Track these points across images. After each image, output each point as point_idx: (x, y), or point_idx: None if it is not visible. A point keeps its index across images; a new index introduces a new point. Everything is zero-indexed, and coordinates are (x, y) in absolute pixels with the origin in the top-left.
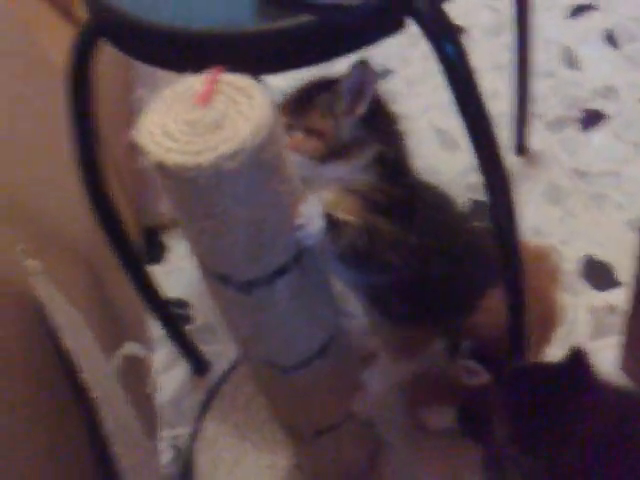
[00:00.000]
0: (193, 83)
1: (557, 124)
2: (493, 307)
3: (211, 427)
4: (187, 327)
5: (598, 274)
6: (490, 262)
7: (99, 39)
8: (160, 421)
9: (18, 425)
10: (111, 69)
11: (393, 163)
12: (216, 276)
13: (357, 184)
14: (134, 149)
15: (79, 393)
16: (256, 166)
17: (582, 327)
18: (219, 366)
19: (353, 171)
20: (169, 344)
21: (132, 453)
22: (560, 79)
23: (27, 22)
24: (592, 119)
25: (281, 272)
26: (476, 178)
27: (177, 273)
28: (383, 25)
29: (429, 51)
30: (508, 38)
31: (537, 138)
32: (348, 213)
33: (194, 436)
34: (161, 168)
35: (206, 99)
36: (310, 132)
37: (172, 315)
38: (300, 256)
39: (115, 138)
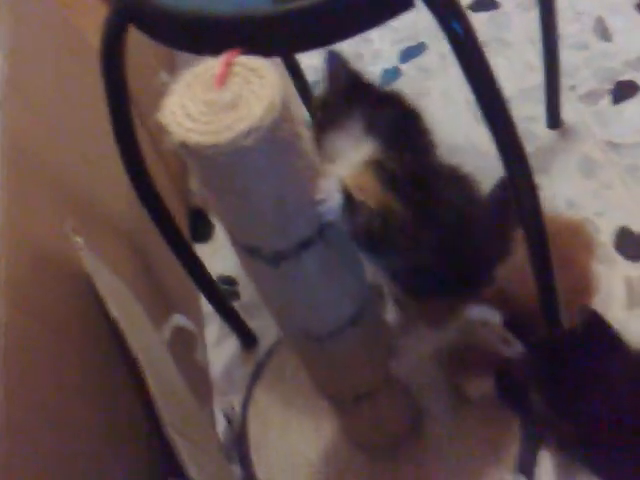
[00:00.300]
0: (211, 65)
1: (590, 96)
2: (524, 278)
3: (261, 396)
4: (235, 303)
5: (633, 245)
6: (503, 235)
7: (127, 24)
8: (214, 391)
9: (72, 397)
10: (143, 53)
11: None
12: (245, 248)
13: (375, 156)
14: (162, 130)
15: (129, 361)
16: (271, 143)
17: (617, 297)
18: (266, 340)
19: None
20: (219, 320)
21: (182, 419)
22: (593, 51)
23: (63, 3)
24: (624, 91)
25: (306, 245)
26: None
27: (224, 251)
28: (393, 3)
29: None
30: None
31: (571, 111)
32: (364, 192)
33: (245, 404)
34: (184, 147)
35: (222, 81)
36: None
37: (220, 292)
38: (324, 229)
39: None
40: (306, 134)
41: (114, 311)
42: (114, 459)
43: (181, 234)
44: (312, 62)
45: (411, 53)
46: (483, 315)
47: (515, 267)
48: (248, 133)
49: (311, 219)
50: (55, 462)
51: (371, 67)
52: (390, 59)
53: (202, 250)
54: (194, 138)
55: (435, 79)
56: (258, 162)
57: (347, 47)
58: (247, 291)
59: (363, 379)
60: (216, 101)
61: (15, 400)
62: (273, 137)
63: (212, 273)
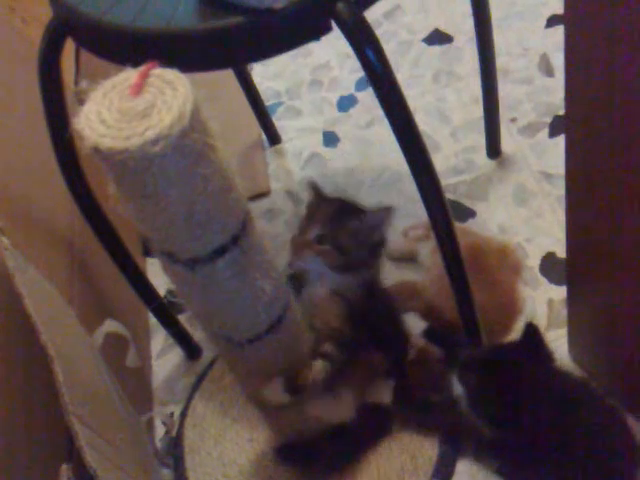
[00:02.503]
0: (129, 76)
1: (529, 129)
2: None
3: (199, 405)
4: (182, 316)
5: (557, 270)
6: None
7: (64, 35)
8: (155, 401)
9: None
10: None
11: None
12: (163, 253)
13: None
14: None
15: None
16: (180, 151)
17: (540, 319)
18: (210, 352)
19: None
20: (164, 331)
21: (92, 412)
22: (536, 86)
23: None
24: (561, 125)
25: (220, 252)
26: (456, 180)
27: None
28: (309, 27)
29: (418, 56)
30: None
31: (510, 142)
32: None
33: (184, 413)
34: (96, 152)
35: (136, 90)
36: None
37: (164, 304)
38: (239, 237)
39: None
40: (218, 146)
41: (30, 309)
42: (19, 441)
43: (124, 247)
44: (274, 85)
45: (367, 82)
46: (409, 322)
47: (440, 282)
48: (156, 140)
49: (225, 227)
50: None
51: (329, 94)
52: (347, 87)
53: (154, 264)
54: (106, 143)
55: None
56: (167, 169)
57: (308, 74)
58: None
59: None
60: (130, 109)
61: None
62: (182, 146)
63: (162, 286)
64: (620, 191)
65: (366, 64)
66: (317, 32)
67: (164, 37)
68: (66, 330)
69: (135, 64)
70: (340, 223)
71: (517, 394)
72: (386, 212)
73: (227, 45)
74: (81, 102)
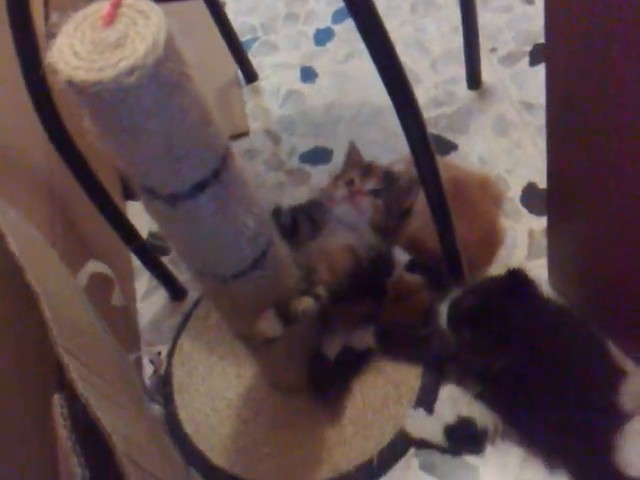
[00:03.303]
0: (100, 7)
1: (509, 58)
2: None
3: (186, 344)
4: (166, 258)
5: (538, 200)
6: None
7: None
8: (142, 342)
9: None
10: None
11: None
12: (144, 189)
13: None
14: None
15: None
16: (156, 81)
17: (520, 249)
18: (195, 293)
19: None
20: (148, 273)
21: (80, 346)
22: (516, 14)
23: None
24: (541, 53)
25: (201, 186)
26: (436, 112)
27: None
28: None
29: None
30: None
31: (491, 72)
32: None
33: (171, 352)
34: (70, 85)
35: (108, 20)
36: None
37: (147, 246)
38: (220, 172)
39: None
40: (195, 77)
41: (13, 247)
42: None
43: (103, 188)
44: (249, 20)
45: (344, 14)
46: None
47: (422, 214)
48: (131, 71)
49: (204, 161)
50: None
51: (305, 27)
52: (324, 19)
53: (135, 207)
54: (80, 75)
55: None
56: (143, 101)
57: (283, 7)
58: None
59: None
60: (102, 40)
61: None
62: (157, 76)
63: (144, 229)
64: (600, 120)
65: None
66: None
67: None
68: (50, 270)
69: None
70: (392, 186)
71: (507, 333)
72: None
73: None
74: (53, 36)
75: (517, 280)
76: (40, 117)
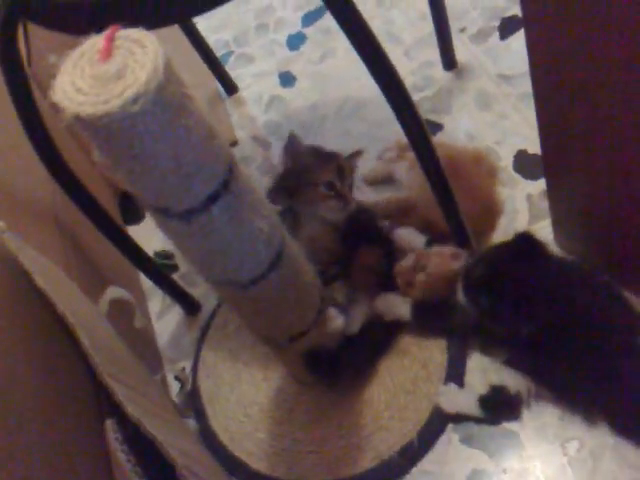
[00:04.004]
0: (95, 42)
1: (480, 35)
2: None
3: (209, 356)
4: (176, 275)
5: (530, 166)
6: None
7: (18, 16)
8: (164, 360)
9: (12, 363)
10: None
11: None
12: (157, 210)
13: None
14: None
15: (61, 326)
16: (160, 105)
17: (521, 214)
18: (209, 305)
19: None
20: (160, 292)
21: (120, 370)
22: None
23: None
24: (510, 26)
25: (213, 198)
26: (418, 97)
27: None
28: None
29: None
30: None
31: (464, 51)
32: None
33: (195, 365)
34: (78, 121)
35: (106, 55)
36: None
37: (156, 265)
38: (228, 182)
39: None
40: (195, 95)
41: (41, 283)
42: (57, 411)
43: (108, 215)
44: (221, 36)
45: (313, 17)
46: (409, 237)
47: (425, 196)
48: (136, 98)
49: (213, 174)
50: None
51: (277, 35)
52: (294, 25)
53: (136, 231)
54: (87, 110)
55: (338, 39)
56: (150, 126)
57: (252, 19)
58: (185, 261)
59: (294, 320)
60: (103, 74)
61: None
62: (161, 100)
63: (149, 250)
64: (586, 72)
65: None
66: None
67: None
68: (74, 301)
69: (98, 31)
70: (341, 172)
71: (525, 295)
72: (357, 154)
73: None
74: (53, 77)
75: (525, 242)
76: (39, 154)
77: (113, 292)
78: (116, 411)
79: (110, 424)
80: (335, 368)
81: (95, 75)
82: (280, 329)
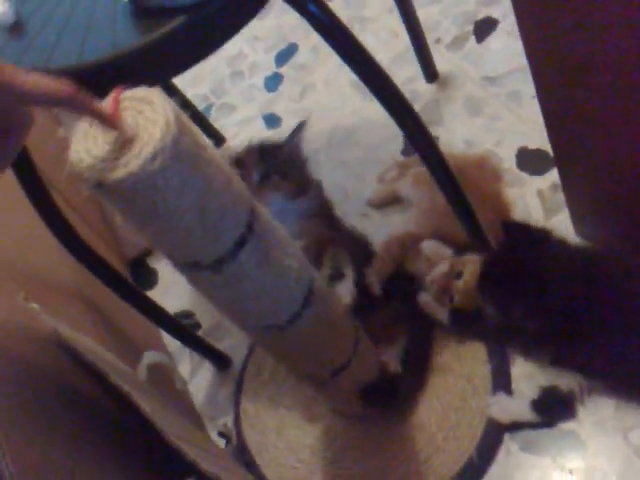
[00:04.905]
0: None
1: (456, 43)
2: None
3: (249, 407)
4: (199, 332)
5: (533, 161)
6: None
7: None
8: (205, 419)
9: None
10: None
11: None
12: (186, 265)
13: None
14: (74, 182)
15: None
16: (178, 158)
17: (534, 211)
18: (239, 356)
19: None
20: (188, 352)
21: (182, 431)
22: (446, 1)
23: None
24: (484, 28)
25: (241, 243)
26: None
27: (173, 289)
28: (249, 5)
29: None
30: None
31: (443, 61)
32: None
33: (237, 419)
34: (101, 187)
35: (115, 118)
36: None
37: (181, 325)
38: (252, 224)
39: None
40: (207, 144)
41: (89, 356)
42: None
43: (128, 282)
44: (198, 91)
45: (284, 55)
46: (436, 249)
47: (436, 210)
48: (154, 155)
49: (237, 219)
50: None
51: (254, 79)
52: (268, 67)
53: (151, 296)
54: (109, 177)
55: (314, 72)
56: (171, 181)
57: (226, 68)
58: (206, 317)
59: (334, 354)
60: (117, 137)
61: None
62: (178, 153)
63: (168, 312)
64: (587, 53)
65: (313, 20)
66: (257, 5)
67: (118, 61)
68: (118, 370)
69: (100, 95)
70: (270, 159)
71: (541, 286)
72: (297, 129)
73: (179, 47)
74: (65, 150)
75: (517, 231)
76: (55, 234)
77: (149, 357)
78: (192, 470)
79: None
80: (392, 395)
81: (109, 140)
82: (321, 365)
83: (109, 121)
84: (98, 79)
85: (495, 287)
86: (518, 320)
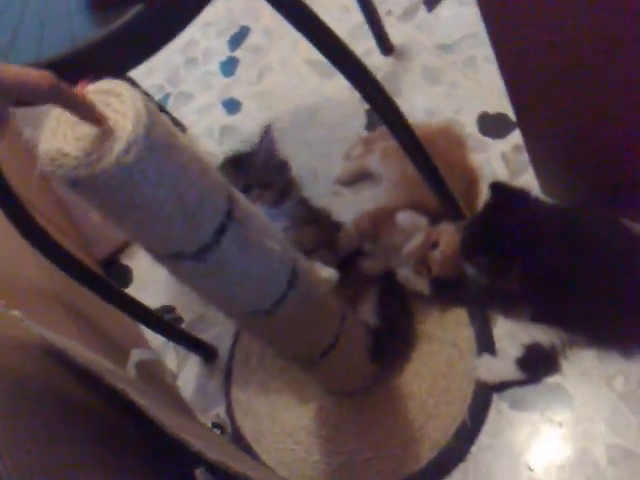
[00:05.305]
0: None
1: (407, 14)
2: None
3: (240, 395)
4: (182, 326)
5: (494, 125)
6: None
7: None
8: (196, 412)
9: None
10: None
11: None
12: (169, 257)
13: None
14: (46, 181)
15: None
16: (151, 149)
17: (500, 174)
18: (224, 345)
19: None
20: (172, 347)
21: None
22: None
23: None
24: None
25: (221, 231)
26: None
27: (150, 285)
28: None
29: None
30: None
31: (396, 33)
32: None
33: (229, 408)
34: (76, 184)
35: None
36: None
37: (163, 320)
38: (232, 210)
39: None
40: (179, 131)
41: (80, 359)
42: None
43: (105, 280)
44: (154, 82)
45: (237, 39)
46: (411, 219)
47: (406, 182)
48: (128, 148)
49: (216, 206)
50: None
51: (209, 66)
52: (222, 52)
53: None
54: (82, 173)
55: (269, 54)
56: (147, 172)
57: (179, 56)
58: (188, 310)
59: (322, 333)
60: (87, 133)
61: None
62: (151, 143)
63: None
64: (546, 14)
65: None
66: None
67: (79, 55)
68: (109, 371)
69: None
70: (247, 170)
71: (524, 246)
72: (265, 133)
73: (139, 37)
74: (34, 150)
75: (500, 192)
76: (24, 235)
77: (137, 355)
78: (197, 461)
79: (200, 473)
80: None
81: (79, 136)
82: (310, 345)
83: (92, 114)
84: (59, 75)
85: (482, 247)
86: (503, 279)
